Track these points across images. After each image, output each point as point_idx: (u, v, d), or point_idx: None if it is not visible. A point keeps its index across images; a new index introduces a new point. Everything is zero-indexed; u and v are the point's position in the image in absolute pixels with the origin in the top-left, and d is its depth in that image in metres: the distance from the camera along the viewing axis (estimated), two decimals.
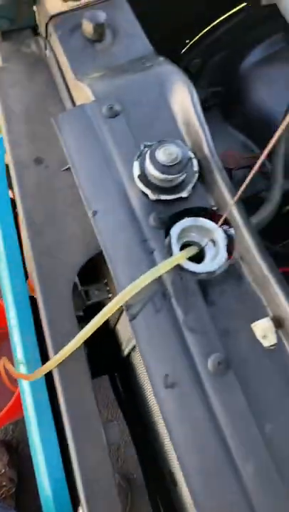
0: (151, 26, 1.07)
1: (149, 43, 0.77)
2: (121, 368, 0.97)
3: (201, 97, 1.17)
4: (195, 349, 0.54)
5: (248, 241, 0.56)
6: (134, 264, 0.58)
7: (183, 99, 0.66)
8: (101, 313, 0.57)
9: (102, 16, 0.75)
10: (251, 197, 1.04)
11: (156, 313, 0.56)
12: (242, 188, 0.49)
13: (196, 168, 0.62)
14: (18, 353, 0.83)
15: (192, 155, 0.63)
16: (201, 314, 0.55)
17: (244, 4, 1.08)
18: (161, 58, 0.73)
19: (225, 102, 1.20)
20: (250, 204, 0.83)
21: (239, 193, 0.50)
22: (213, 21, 1.18)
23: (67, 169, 0.74)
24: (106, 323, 0.93)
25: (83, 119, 0.67)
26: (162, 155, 0.59)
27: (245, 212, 0.59)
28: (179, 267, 0.58)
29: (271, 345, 0.53)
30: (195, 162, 0.63)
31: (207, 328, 0.55)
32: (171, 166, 0.58)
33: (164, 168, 0.58)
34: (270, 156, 1.01)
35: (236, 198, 0.51)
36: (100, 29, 0.75)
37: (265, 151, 0.40)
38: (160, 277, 0.58)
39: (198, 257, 0.63)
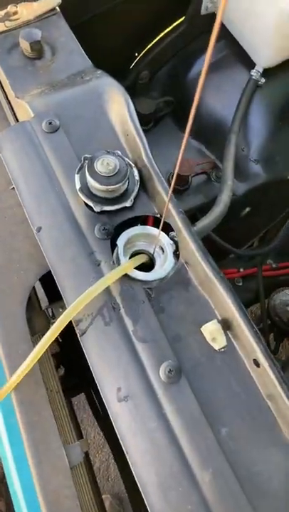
0: (100, 44, 1.09)
1: (87, 58, 0.77)
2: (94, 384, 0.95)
3: (154, 108, 1.20)
4: (146, 359, 0.53)
5: (190, 245, 0.56)
6: (82, 278, 0.58)
7: (120, 110, 0.66)
8: (49, 331, 0.56)
9: (37, 33, 0.75)
10: (211, 202, 1.05)
11: (105, 326, 0.55)
12: (172, 186, 0.49)
13: (137, 177, 0.62)
14: None
15: (132, 164, 0.63)
16: (150, 323, 0.55)
17: (183, 18, 1.10)
18: (99, 71, 0.74)
19: (177, 111, 1.21)
20: (210, 209, 0.84)
21: (170, 190, 0.50)
22: (159, 35, 1.21)
23: (13, 188, 0.73)
24: (76, 340, 0.92)
25: (24, 136, 0.66)
26: (101, 166, 0.59)
27: (186, 217, 0.59)
28: (127, 277, 0.58)
29: (221, 348, 0.53)
30: (135, 171, 0.63)
31: (157, 336, 0.54)
32: (110, 176, 0.58)
33: (103, 179, 0.58)
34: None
35: (169, 195, 0.51)
36: (37, 46, 0.76)
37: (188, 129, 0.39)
38: (108, 289, 0.57)
39: (150, 265, 0.63)
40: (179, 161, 0.46)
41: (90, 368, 0.54)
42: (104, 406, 0.83)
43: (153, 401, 0.51)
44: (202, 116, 1.18)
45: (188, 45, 1.18)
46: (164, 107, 1.22)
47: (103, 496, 1.73)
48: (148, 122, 1.18)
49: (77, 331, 0.55)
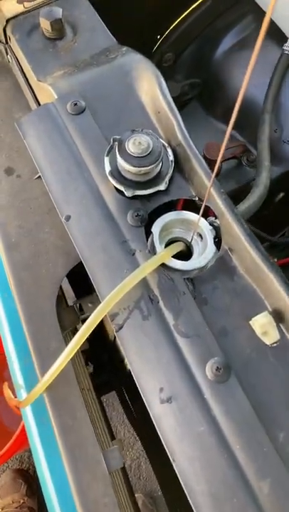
0: (121, 25, 1.03)
1: (111, 35, 0.72)
2: (127, 382, 0.91)
3: (179, 91, 1.14)
4: (190, 356, 0.48)
5: (235, 230, 0.50)
6: (115, 269, 0.53)
7: (150, 87, 0.61)
8: (83, 327, 0.51)
9: (58, 11, 0.70)
10: (243, 187, 0.98)
11: (143, 320, 0.50)
12: (215, 170, 0.44)
13: (171, 157, 0.57)
14: (18, 377, 0.77)
15: (166, 144, 0.58)
16: (193, 316, 0.49)
17: None
18: (125, 48, 0.68)
19: (204, 94, 1.15)
20: (243, 195, 0.78)
21: (213, 175, 0.44)
22: (182, 14, 1.15)
23: (39, 177, 0.69)
24: (106, 337, 0.88)
25: (47, 120, 0.62)
26: (132, 146, 0.54)
27: (229, 199, 0.53)
28: (164, 267, 0.53)
29: (274, 343, 0.48)
30: (170, 151, 0.57)
31: (201, 330, 0.49)
32: (143, 157, 0.53)
33: (136, 161, 0.53)
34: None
35: (212, 180, 0.46)
36: (58, 26, 0.71)
37: (230, 126, 0.34)
38: (145, 280, 0.52)
39: (187, 254, 0.58)
40: (225, 141, 0.40)
41: (129, 365, 0.49)
42: (139, 405, 0.79)
43: (200, 402, 0.46)
44: (230, 97, 1.12)
45: (213, 22, 1.11)
46: (189, 90, 1.15)
47: (136, 495, 1.69)
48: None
49: (112, 326, 0.51)
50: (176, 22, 1.16)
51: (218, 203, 0.52)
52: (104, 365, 1.00)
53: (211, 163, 0.96)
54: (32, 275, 0.63)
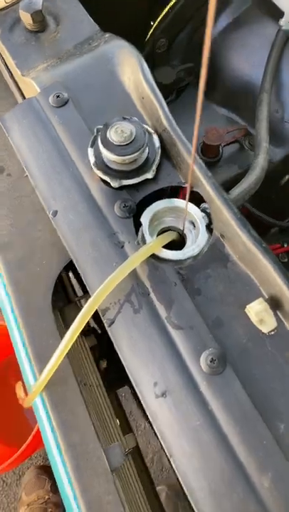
0: (112, 12, 1.01)
1: (94, 23, 0.70)
2: None
3: (174, 77, 1.11)
4: (184, 348, 0.46)
5: (225, 215, 0.48)
6: (105, 263, 0.51)
7: (133, 73, 0.59)
8: (75, 323, 0.50)
9: (38, 2, 0.69)
10: (246, 172, 0.95)
11: (135, 313, 0.49)
12: (193, 147, 0.41)
13: (157, 144, 0.55)
14: (28, 377, 0.77)
15: (151, 130, 0.56)
16: (185, 307, 0.48)
17: None
18: (108, 35, 0.66)
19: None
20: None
21: (193, 151, 0.42)
22: None
23: None
24: None
25: (30, 114, 0.61)
26: (114, 135, 0.52)
27: (217, 183, 0.51)
28: (156, 258, 0.51)
29: (271, 330, 0.45)
30: (155, 137, 0.55)
31: (194, 321, 0.47)
32: (126, 145, 0.51)
33: (119, 149, 0.51)
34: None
35: (192, 158, 0.43)
36: (39, 18, 0.69)
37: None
38: (135, 272, 0.50)
39: (181, 243, 0.56)
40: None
41: (122, 361, 0.48)
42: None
43: (196, 396, 0.44)
44: (228, 79, 1.08)
45: (206, 3, 1.07)
46: (185, 76, 1.12)
47: (159, 488, 1.69)
48: (170, 93, 1.09)
49: (104, 322, 0.49)
50: (168, 6, 1.13)
51: (206, 187, 0.50)
52: (116, 359, 1.00)
53: (211, 148, 0.94)
54: (27, 274, 0.63)
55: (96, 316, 0.55)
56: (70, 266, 0.62)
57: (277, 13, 0.97)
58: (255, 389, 0.44)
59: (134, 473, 0.83)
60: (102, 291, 0.48)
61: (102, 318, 0.50)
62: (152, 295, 0.49)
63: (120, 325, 0.49)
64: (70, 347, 0.51)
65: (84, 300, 0.77)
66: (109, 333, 0.49)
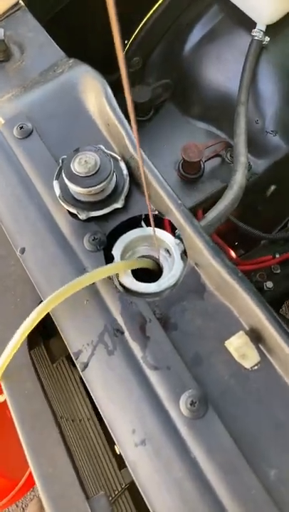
0: (83, 36, 1.00)
1: (59, 49, 0.68)
2: None
3: (150, 94, 1.09)
4: (162, 390, 0.43)
5: (197, 243, 0.45)
6: (75, 302, 0.48)
7: (97, 99, 0.57)
8: (18, 332, 0.48)
9: (0, 32, 0.67)
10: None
11: (109, 355, 0.45)
12: (140, 163, 0.39)
13: (125, 171, 0.53)
14: None
15: (118, 157, 0.53)
16: (161, 345, 0.45)
17: None
18: (72, 60, 0.64)
19: (178, 93, 1.10)
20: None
21: (141, 164, 0.39)
22: (146, 14, 1.10)
23: None
24: None
25: None
26: (78, 166, 0.49)
27: (187, 210, 0.48)
28: (129, 292, 0.48)
29: (254, 365, 0.42)
30: (122, 164, 0.53)
31: (171, 360, 0.44)
32: (91, 175, 0.49)
33: (84, 181, 0.49)
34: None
35: (141, 163, 0.41)
36: (2, 47, 0.68)
37: None
38: (107, 309, 0.47)
39: (159, 274, 0.53)
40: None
41: (98, 407, 0.45)
42: None
43: (176, 443, 0.41)
44: (205, 93, 1.06)
45: (178, 18, 1.07)
46: (162, 92, 1.11)
47: None
48: (148, 111, 1.08)
49: (77, 365, 0.46)
50: (140, 24, 1.12)
51: (176, 215, 0.47)
52: None
53: (191, 164, 0.92)
54: (1, 312, 0.60)
55: None
56: None
57: (250, 24, 0.96)
58: (241, 432, 0.40)
59: (132, 509, 0.79)
60: (52, 300, 0.45)
61: (75, 362, 0.47)
62: (126, 333, 0.46)
63: (94, 368, 0.45)
64: (10, 357, 0.49)
65: None
66: (84, 378, 0.46)
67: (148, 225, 0.53)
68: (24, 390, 0.55)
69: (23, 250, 0.52)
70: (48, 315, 0.71)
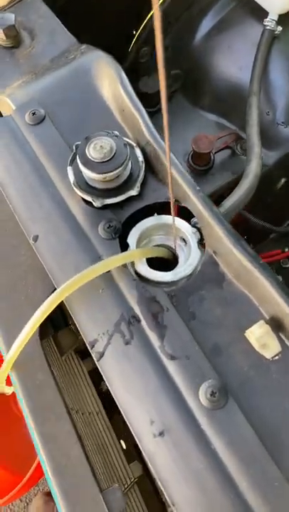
0: (92, 24, 0.98)
1: (70, 35, 0.67)
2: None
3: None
4: (180, 381, 0.42)
5: (216, 230, 0.44)
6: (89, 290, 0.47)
7: (112, 84, 0.56)
8: (34, 315, 0.47)
9: (10, 17, 0.66)
10: (239, 178, 0.92)
11: (126, 345, 0.44)
12: (168, 156, 0.37)
13: (140, 157, 0.51)
14: None
15: (134, 144, 0.52)
16: (180, 334, 0.43)
17: None
18: (84, 46, 0.63)
19: (188, 84, 1.08)
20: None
21: (168, 155, 0.38)
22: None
23: None
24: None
25: (6, 134, 0.57)
26: (94, 152, 0.48)
27: (206, 196, 0.47)
28: (145, 281, 0.47)
29: (274, 355, 0.41)
30: (138, 151, 0.52)
31: (190, 350, 0.43)
32: (106, 161, 0.48)
33: (99, 167, 0.48)
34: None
35: (169, 170, 0.39)
36: (12, 33, 0.66)
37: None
38: (123, 298, 0.46)
39: (174, 264, 0.52)
40: None
41: (114, 398, 0.44)
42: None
43: (196, 434, 0.40)
44: (215, 84, 1.05)
45: (189, 7, 1.05)
46: (172, 83, 1.09)
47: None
48: (157, 102, 1.06)
49: (93, 355, 0.45)
50: (149, 14, 1.10)
51: (195, 202, 0.46)
52: None
53: (201, 156, 0.90)
54: (11, 304, 0.59)
55: None
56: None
57: (262, 13, 0.94)
58: (262, 423, 0.39)
59: (142, 505, 0.78)
60: (68, 286, 0.44)
61: (90, 351, 0.46)
62: (143, 323, 0.45)
63: (111, 358, 0.44)
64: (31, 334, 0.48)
65: None
66: (99, 368, 0.45)
67: (162, 213, 0.52)
68: (36, 381, 0.54)
69: (36, 238, 0.51)
70: (58, 306, 0.71)
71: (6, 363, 0.53)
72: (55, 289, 0.58)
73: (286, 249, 1.08)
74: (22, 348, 0.51)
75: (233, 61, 1.01)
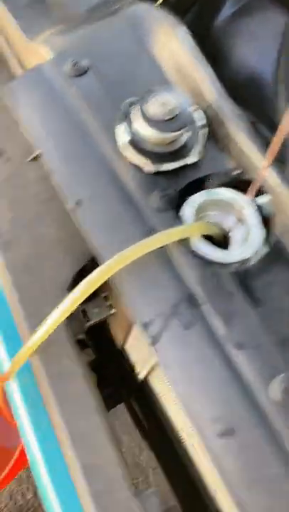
0: None
1: None
2: (138, 393, 0.80)
3: None
4: (250, 373, 0.37)
5: None
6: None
7: (169, 40, 0.50)
8: (83, 283, 0.41)
9: None
10: None
11: (186, 329, 0.39)
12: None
13: (202, 121, 0.46)
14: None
15: (194, 106, 0.47)
16: (248, 321, 0.38)
17: None
18: None
19: None
20: None
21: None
22: None
23: (35, 158, 0.56)
24: (111, 343, 0.76)
25: (42, 85, 0.50)
26: (154, 108, 0.42)
27: (282, 170, 0.42)
28: (205, 261, 0.42)
29: None
30: (200, 114, 0.46)
31: (260, 339, 0.38)
32: (169, 119, 0.42)
33: (161, 125, 0.42)
34: None
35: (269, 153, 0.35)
36: None
37: None
38: (182, 279, 0.41)
39: (221, 244, 0.46)
40: None
41: (172, 389, 0.38)
42: (152, 417, 0.67)
43: (269, 434, 0.35)
44: (235, 71, 1.00)
45: None
46: None
47: None
48: None
49: (146, 338, 0.39)
50: None
51: (270, 177, 0.41)
52: (109, 375, 0.89)
53: None
54: (33, 279, 0.51)
55: None
56: (86, 269, 0.52)
57: (287, 0, 0.91)
58: None
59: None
60: (116, 262, 0.38)
61: (143, 334, 0.40)
62: (206, 306, 0.39)
63: (167, 343, 0.39)
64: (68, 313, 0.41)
65: (87, 308, 0.66)
66: (155, 353, 0.39)
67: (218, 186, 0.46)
68: (62, 369, 0.47)
69: (80, 202, 0.44)
70: None
71: (26, 348, 0.46)
72: (84, 266, 0.52)
73: None
74: (52, 331, 0.44)
75: (255, 49, 0.97)
